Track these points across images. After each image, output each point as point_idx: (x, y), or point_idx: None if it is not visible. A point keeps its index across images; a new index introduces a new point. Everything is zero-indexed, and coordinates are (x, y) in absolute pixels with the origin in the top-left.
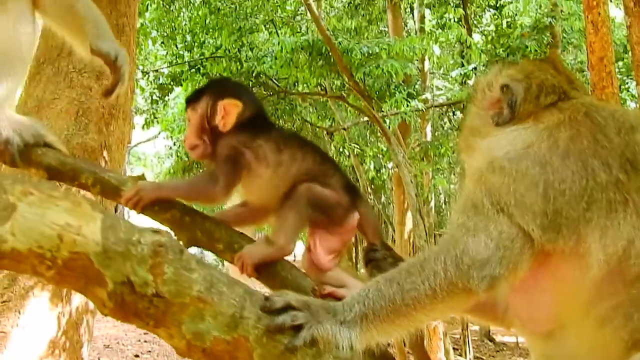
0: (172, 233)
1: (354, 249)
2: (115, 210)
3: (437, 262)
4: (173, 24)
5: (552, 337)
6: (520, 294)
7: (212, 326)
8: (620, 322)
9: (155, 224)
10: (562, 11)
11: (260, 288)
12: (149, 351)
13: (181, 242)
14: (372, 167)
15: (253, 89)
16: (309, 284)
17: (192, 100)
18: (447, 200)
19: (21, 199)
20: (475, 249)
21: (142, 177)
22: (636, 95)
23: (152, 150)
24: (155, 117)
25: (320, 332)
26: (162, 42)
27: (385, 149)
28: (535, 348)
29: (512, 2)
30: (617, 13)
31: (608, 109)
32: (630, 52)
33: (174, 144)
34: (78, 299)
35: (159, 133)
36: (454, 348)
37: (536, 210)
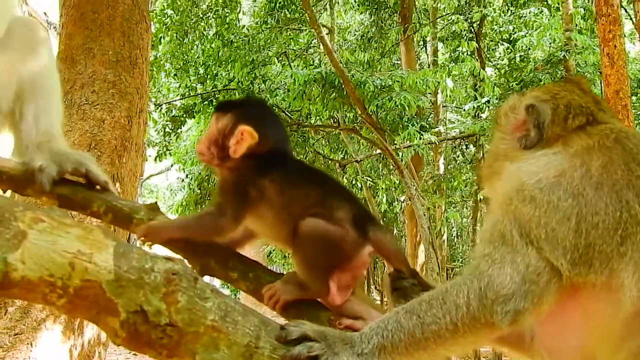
0: (186, 261)
1: (366, 273)
2: (128, 240)
3: (459, 294)
4: (186, 57)
5: None
6: (548, 325)
7: (226, 356)
8: None
9: (168, 252)
10: (575, 45)
11: (272, 316)
12: None
13: (194, 271)
14: (384, 200)
15: None
16: (325, 314)
17: (220, 110)
18: (459, 233)
19: (32, 226)
20: (500, 283)
21: (154, 205)
22: None
23: (164, 182)
24: (167, 150)
25: None
26: (175, 75)
27: (397, 181)
28: None
29: (525, 36)
30: (629, 47)
31: (637, 136)
32: None
33: (187, 176)
34: (90, 332)
35: (172, 165)
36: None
37: (567, 245)
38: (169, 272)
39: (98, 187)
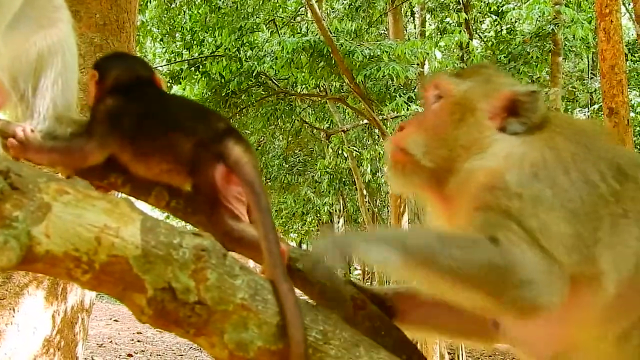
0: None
1: None
2: None
3: (484, 254)
4: (173, 22)
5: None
6: None
7: (256, 336)
8: (637, 341)
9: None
10: (564, 19)
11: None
12: (142, 351)
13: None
14: (368, 170)
15: (253, 88)
16: (349, 291)
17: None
18: None
19: (56, 199)
20: (525, 266)
21: None
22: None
23: None
24: None
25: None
26: (162, 40)
27: (382, 152)
28: None
29: (514, 9)
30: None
31: (573, 118)
32: (639, 62)
33: None
34: (74, 297)
35: None
36: (448, 352)
37: (557, 235)
38: (198, 248)
39: None
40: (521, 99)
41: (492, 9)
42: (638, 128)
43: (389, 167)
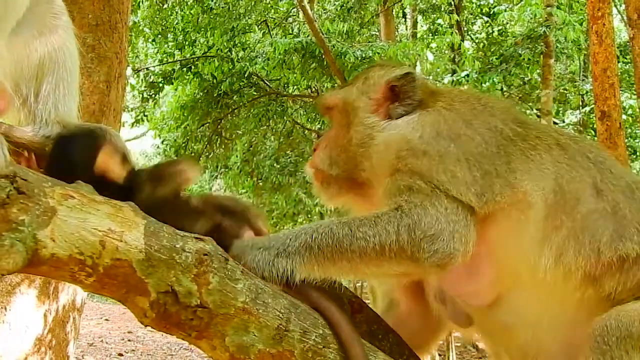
0: None
1: None
2: None
3: (390, 224)
4: (165, 22)
5: (499, 305)
6: (456, 269)
7: (257, 339)
8: (572, 251)
9: None
10: (556, 21)
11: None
12: (133, 350)
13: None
14: None
15: (245, 89)
16: (346, 295)
17: None
18: None
19: (61, 203)
20: (428, 222)
21: None
22: (636, 108)
23: (139, 148)
24: (145, 115)
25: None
26: (154, 40)
27: None
28: (487, 333)
29: (506, 10)
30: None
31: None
32: (630, 65)
33: (162, 142)
34: (65, 297)
35: (147, 131)
36: (438, 354)
37: (468, 181)
38: (200, 253)
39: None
40: (396, 84)
41: (483, 11)
42: (629, 130)
43: (313, 186)
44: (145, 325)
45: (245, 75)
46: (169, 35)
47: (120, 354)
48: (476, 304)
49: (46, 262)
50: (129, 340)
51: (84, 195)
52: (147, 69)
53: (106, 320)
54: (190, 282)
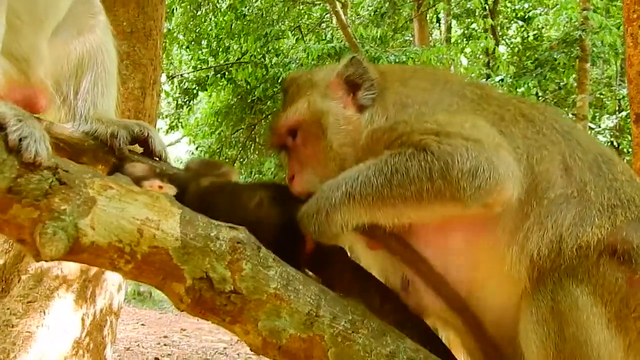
0: None
1: None
2: None
3: (422, 170)
4: (199, 29)
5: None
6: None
7: (288, 324)
8: (536, 238)
9: None
10: (592, 25)
11: None
12: (169, 354)
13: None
14: None
15: (278, 95)
16: (374, 283)
17: None
18: None
19: (101, 193)
20: (460, 158)
21: None
22: None
23: (174, 154)
24: (179, 121)
25: None
26: (188, 47)
27: None
28: (450, 326)
29: (541, 15)
30: None
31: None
32: None
33: (196, 149)
34: (102, 301)
35: (181, 138)
36: None
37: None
38: (234, 241)
39: (155, 156)
40: (347, 73)
41: (518, 15)
42: None
43: None
44: (182, 311)
45: (279, 81)
46: (202, 41)
47: (157, 358)
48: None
49: (86, 250)
50: (164, 345)
51: (122, 186)
52: (181, 75)
53: (142, 325)
54: (224, 269)
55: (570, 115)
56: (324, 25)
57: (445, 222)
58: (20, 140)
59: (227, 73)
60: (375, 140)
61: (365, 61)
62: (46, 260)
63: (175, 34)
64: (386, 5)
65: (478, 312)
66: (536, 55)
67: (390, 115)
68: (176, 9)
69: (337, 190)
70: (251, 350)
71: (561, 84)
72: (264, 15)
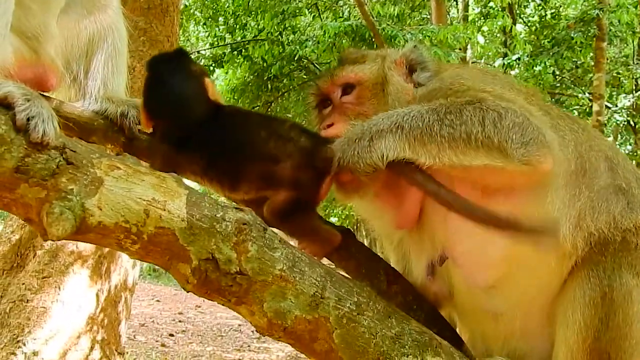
0: None
1: None
2: None
3: (475, 115)
4: (216, 6)
5: (496, 288)
6: (470, 237)
7: (293, 305)
8: (590, 218)
9: None
10: (609, 4)
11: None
12: (183, 331)
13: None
14: None
15: (294, 72)
16: (382, 266)
17: None
18: None
19: (108, 173)
20: (512, 116)
21: None
22: None
23: None
24: None
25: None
26: (204, 24)
27: None
28: (467, 316)
29: None
30: None
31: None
32: None
33: None
34: (117, 277)
35: None
36: None
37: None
38: (239, 222)
39: None
40: (411, 56)
41: None
42: None
43: None
44: (188, 291)
45: (296, 59)
46: (219, 18)
47: (171, 334)
48: (477, 283)
49: (93, 230)
50: (179, 321)
51: (129, 166)
52: (198, 52)
53: (157, 301)
54: (230, 250)
55: (587, 94)
56: (341, 2)
57: (489, 183)
58: (28, 119)
59: (243, 50)
60: (430, 98)
61: (424, 50)
62: (53, 240)
63: (192, 11)
64: None
65: (515, 283)
66: (553, 34)
67: (446, 83)
68: None
69: (387, 119)
70: (257, 331)
71: (578, 62)
72: None
